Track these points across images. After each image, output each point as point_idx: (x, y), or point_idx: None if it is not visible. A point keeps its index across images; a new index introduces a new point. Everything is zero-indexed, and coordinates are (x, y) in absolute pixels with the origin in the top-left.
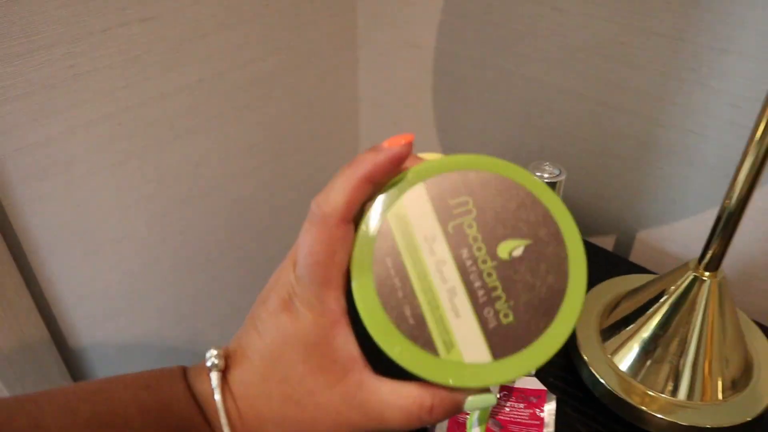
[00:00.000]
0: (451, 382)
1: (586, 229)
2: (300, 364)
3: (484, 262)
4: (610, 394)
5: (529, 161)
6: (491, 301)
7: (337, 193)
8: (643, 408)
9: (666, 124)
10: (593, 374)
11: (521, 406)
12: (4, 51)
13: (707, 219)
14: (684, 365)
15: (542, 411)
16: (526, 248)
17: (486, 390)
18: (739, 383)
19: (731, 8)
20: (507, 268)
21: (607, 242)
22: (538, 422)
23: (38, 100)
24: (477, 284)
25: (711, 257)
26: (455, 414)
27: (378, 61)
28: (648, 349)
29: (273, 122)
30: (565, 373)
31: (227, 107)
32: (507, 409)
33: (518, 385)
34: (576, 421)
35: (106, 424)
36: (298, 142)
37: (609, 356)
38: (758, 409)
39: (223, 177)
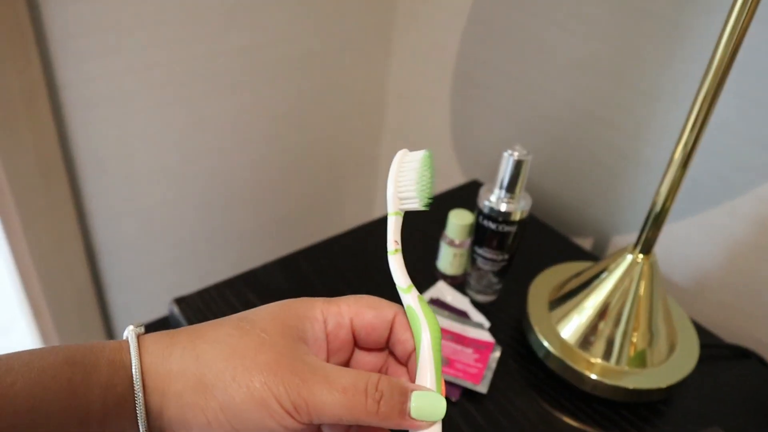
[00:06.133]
0: None
1: (570, 229)
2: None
3: None
4: (549, 354)
5: None
6: None
7: None
8: (575, 367)
9: (646, 138)
10: (537, 337)
11: (470, 350)
12: None
13: (677, 229)
14: (616, 334)
15: (487, 357)
16: None
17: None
18: (662, 354)
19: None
20: None
21: (586, 243)
22: (480, 365)
23: (106, 40)
24: None
25: (644, 242)
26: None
27: (408, 56)
28: (586, 319)
29: (304, 96)
30: (515, 334)
31: (266, 75)
32: (456, 350)
33: (471, 335)
34: (515, 371)
35: None
36: (323, 118)
37: (553, 323)
38: (676, 378)
39: (251, 136)
